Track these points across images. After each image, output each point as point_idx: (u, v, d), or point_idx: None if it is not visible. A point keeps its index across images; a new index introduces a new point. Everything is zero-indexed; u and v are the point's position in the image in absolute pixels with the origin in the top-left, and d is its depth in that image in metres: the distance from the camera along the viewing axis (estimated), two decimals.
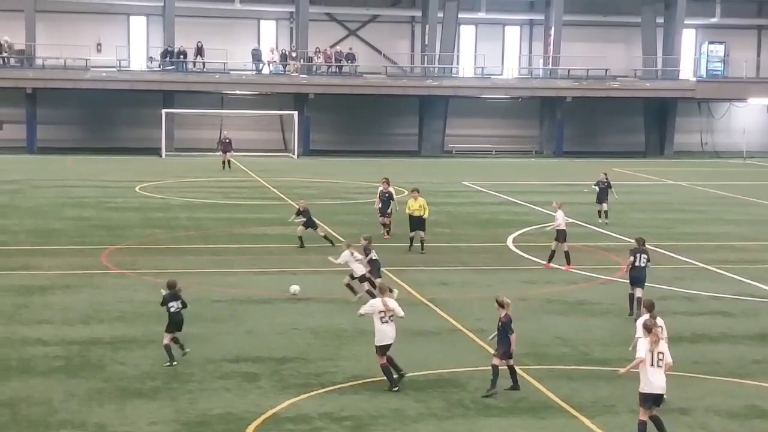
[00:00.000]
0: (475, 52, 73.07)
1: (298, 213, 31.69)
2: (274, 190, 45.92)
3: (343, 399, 17.24)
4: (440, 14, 68.93)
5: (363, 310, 18.41)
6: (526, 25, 74.61)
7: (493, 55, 72.56)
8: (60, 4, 66.09)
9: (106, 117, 67.00)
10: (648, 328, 15.49)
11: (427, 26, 68.92)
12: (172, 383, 17.84)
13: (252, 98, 68.50)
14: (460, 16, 70.61)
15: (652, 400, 15.26)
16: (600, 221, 37.19)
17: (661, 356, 15.19)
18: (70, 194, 43.20)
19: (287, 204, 41.08)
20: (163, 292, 19.37)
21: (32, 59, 64.41)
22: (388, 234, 32.78)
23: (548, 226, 30.82)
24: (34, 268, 27.32)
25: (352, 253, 24.08)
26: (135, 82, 64.72)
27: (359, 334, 21.22)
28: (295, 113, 65.96)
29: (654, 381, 15.12)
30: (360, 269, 24.00)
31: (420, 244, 30.62)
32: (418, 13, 71.30)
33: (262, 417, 16.27)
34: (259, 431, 15.77)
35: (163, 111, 63.42)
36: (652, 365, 15.11)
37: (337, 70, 68.65)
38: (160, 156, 62.16)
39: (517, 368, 18.00)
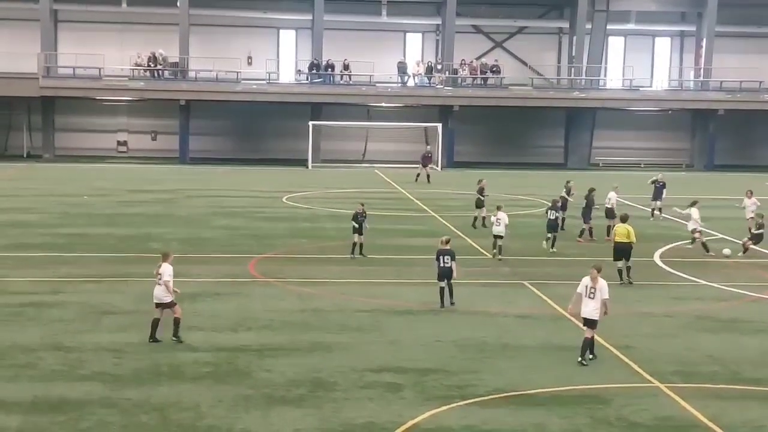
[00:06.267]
0: (624, 63, 72.08)
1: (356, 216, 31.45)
2: (418, 202, 46.05)
3: (485, 412, 17.14)
4: (588, 26, 68.25)
5: None
6: (676, 36, 73.23)
7: (642, 67, 71.44)
8: (212, 18, 67.84)
9: (256, 128, 68.45)
10: None
11: (575, 38, 68.29)
12: (316, 391, 18.03)
13: (397, 110, 68.96)
14: (608, 27, 69.78)
15: None
16: (652, 219, 40.53)
17: None
18: (221, 204, 44.21)
19: (431, 216, 41.21)
20: None
21: (185, 72, 66.20)
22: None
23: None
24: (185, 276, 27.92)
25: None
26: (284, 94, 65.88)
27: (503, 348, 21.13)
28: (440, 125, 66.14)
29: None
30: None
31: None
32: (565, 25, 70.74)
33: (404, 427, 16.29)
34: None
35: (311, 123, 64.37)
36: None
37: (483, 82, 68.54)
38: (307, 167, 63.09)
39: (664, 386, 17.57)
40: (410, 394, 17.98)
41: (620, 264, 28.19)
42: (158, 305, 21.02)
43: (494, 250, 31.53)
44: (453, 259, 24.37)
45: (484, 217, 37.26)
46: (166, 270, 20.89)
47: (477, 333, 22.33)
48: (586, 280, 20.11)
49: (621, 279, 27.99)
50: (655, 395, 18.13)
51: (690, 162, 70.53)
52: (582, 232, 35.99)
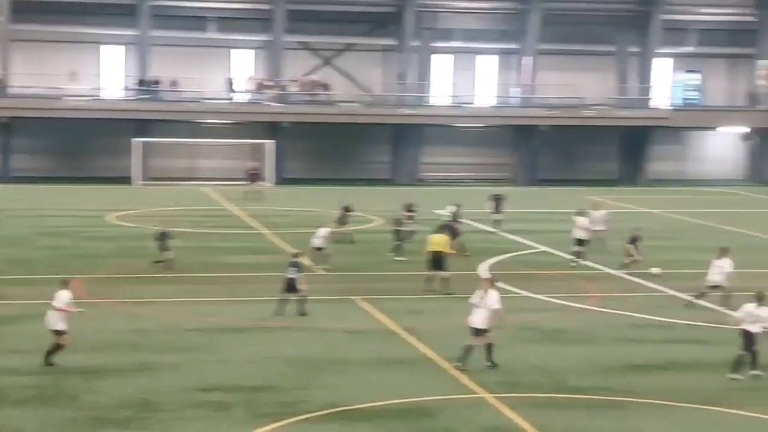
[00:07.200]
0: (451, 80, 73.32)
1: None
2: (247, 220, 45.83)
3: (315, 428, 17.20)
4: (415, 43, 69.25)
5: None
6: (500, 53, 74.81)
7: (468, 84, 72.85)
8: (35, 33, 65.91)
9: (81, 146, 66.79)
10: None
11: (402, 55, 69.20)
12: (144, 412, 17.76)
13: (226, 127, 68.47)
14: (435, 44, 70.94)
15: None
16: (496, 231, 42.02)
17: None
18: (45, 223, 42.99)
19: (260, 233, 41.09)
20: None
21: (7, 88, 64.19)
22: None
23: None
24: (9, 298, 27.19)
25: None
26: (109, 111, 64.60)
27: (332, 363, 21.23)
28: (270, 142, 65.99)
29: None
30: None
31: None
32: (393, 42, 71.52)
33: None
34: None
35: (137, 140, 63.28)
36: None
37: (312, 98, 68.74)
38: (134, 185, 61.98)
39: (490, 397, 17.98)
40: (240, 413, 17.89)
41: (434, 273, 28.81)
42: (52, 331, 20.82)
43: (318, 265, 32.45)
44: (299, 271, 25.90)
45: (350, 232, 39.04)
46: (61, 297, 20.81)
47: (307, 349, 22.39)
48: (479, 292, 21.22)
49: (435, 290, 28.67)
50: (481, 406, 18.53)
51: (514, 177, 72.16)
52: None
